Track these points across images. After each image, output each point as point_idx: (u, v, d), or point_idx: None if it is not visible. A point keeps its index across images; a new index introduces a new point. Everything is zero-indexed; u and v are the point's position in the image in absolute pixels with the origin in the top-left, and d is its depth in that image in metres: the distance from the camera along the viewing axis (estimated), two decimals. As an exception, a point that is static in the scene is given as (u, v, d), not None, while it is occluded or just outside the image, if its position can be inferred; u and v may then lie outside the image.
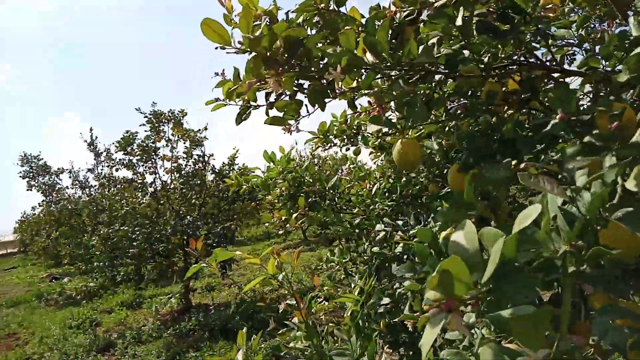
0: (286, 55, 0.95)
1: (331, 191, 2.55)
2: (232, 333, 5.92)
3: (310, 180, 2.52)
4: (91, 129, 12.93)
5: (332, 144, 2.96)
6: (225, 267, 7.79)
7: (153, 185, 7.78)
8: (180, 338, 6.01)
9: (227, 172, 8.20)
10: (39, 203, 13.02)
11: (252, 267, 12.13)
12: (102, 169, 13.29)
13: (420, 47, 0.90)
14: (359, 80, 1.37)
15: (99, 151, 13.16)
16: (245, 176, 2.72)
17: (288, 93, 1.43)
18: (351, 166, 3.33)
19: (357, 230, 2.71)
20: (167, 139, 7.93)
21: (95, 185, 13.12)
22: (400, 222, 2.12)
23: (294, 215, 2.36)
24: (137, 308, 8.85)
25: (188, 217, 7.09)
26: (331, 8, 1.06)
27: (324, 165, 16.29)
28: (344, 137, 2.55)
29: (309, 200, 2.43)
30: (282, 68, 0.96)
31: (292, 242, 17.19)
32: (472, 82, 1.05)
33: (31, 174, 12.23)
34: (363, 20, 1.13)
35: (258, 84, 1.02)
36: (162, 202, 7.76)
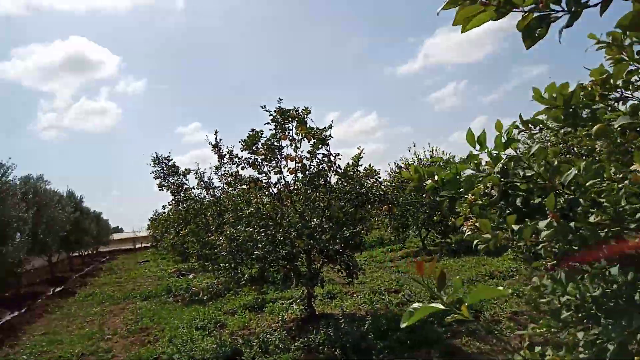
0: None
1: (567, 190, 1.72)
2: (367, 354, 5.26)
3: (539, 171, 1.73)
4: (216, 132, 13.38)
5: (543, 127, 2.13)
6: (352, 275, 7.19)
7: (277, 185, 7.47)
8: (309, 353, 5.50)
9: (352, 172, 7.61)
10: (168, 202, 13.72)
11: (371, 275, 11.44)
12: (226, 169, 13.65)
13: None
14: None
15: (223, 153, 13.55)
16: (427, 167, 2.00)
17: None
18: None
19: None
20: (290, 138, 7.59)
21: (219, 187, 13.53)
22: None
23: (543, 225, 1.57)
24: (259, 311, 8.66)
25: (314, 220, 6.61)
26: None
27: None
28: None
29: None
30: None
31: (409, 250, 16.20)
32: None
33: (162, 174, 12.91)
34: None
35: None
36: (285, 203, 7.41)
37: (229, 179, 7.47)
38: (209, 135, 16.36)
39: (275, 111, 7.41)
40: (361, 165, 7.78)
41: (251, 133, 7.54)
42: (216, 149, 13.45)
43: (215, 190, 13.13)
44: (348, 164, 7.64)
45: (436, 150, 15.97)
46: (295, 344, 5.71)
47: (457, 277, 9.64)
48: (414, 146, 17.52)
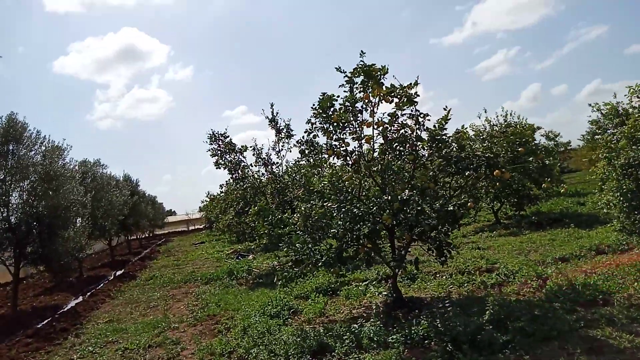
0: None
1: None
2: (487, 349, 4.29)
3: None
4: (272, 105, 12.58)
5: None
6: (443, 254, 6.21)
7: (354, 154, 6.53)
8: (413, 348, 4.60)
9: (439, 136, 6.55)
10: (226, 181, 13.12)
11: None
12: (283, 144, 12.86)
13: None
14: None
15: (280, 127, 12.75)
16: None
17: None
18: None
19: None
20: (366, 101, 6.61)
21: (277, 163, 12.80)
22: None
23: None
24: (333, 295, 7.86)
25: (406, 191, 5.63)
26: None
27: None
28: None
29: None
30: None
31: (482, 224, 14.89)
32: None
33: (219, 152, 12.29)
34: None
35: None
36: (364, 173, 6.47)
37: (302, 147, 6.57)
38: (265, 109, 15.37)
39: (354, 69, 6.45)
40: (446, 128, 6.71)
41: (322, 97, 6.60)
42: (273, 123, 12.69)
43: (274, 166, 12.42)
44: (434, 126, 6.59)
45: (512, 114, 14.54)
46: (393, 336, 4.82)
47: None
48: (485, 112, 16.07)
